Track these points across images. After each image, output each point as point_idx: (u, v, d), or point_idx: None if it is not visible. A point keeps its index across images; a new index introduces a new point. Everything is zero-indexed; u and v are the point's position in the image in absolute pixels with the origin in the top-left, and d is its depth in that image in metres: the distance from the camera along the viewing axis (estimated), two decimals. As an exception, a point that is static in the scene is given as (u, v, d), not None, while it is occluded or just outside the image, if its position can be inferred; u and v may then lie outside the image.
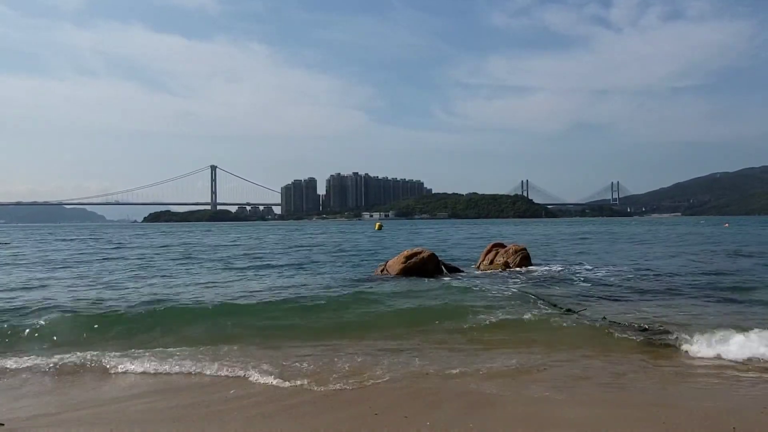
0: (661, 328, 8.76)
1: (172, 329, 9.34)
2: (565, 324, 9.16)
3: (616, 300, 12.13)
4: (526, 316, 9.64)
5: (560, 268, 18.74)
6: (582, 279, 15.85)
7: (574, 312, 10.04)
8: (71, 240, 50.80)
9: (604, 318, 9.52)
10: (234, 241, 46.00)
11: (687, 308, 10.88)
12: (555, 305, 10.73)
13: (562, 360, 7.22)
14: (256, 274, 18.18)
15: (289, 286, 14.48)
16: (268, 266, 21.15)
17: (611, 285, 14.53)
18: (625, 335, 8.37)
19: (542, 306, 10.76)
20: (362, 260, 23.36)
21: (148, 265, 22.05)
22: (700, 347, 7.43)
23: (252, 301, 12.05)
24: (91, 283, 15.77)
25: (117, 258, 26.23)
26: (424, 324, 9.58)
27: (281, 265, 21.40)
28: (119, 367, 7.10)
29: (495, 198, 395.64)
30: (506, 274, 16.85)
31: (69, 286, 15.00)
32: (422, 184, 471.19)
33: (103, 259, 25.68)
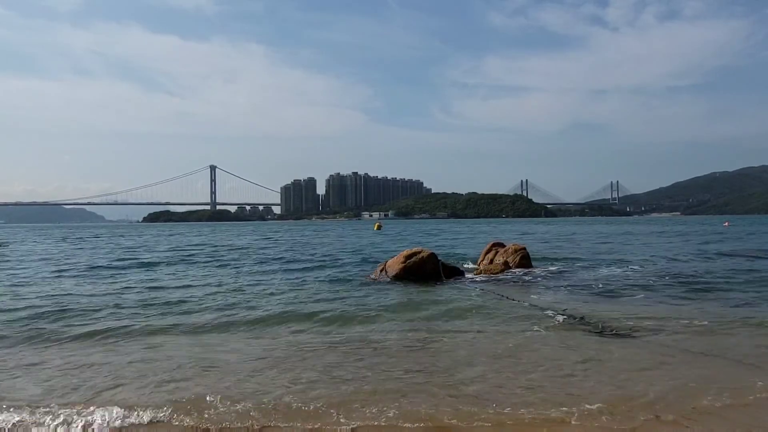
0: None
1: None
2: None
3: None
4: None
5: (561, 269, 18.71)
6: (582, 279, 15.84)
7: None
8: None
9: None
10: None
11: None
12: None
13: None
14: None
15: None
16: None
17: (613, 285, 14.52)
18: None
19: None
20: (363, 260, 23.41)
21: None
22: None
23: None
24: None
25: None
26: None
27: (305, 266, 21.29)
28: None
29: (494, 198, 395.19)
30: (509, 276, 16.83)
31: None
32: (422, 183, 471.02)
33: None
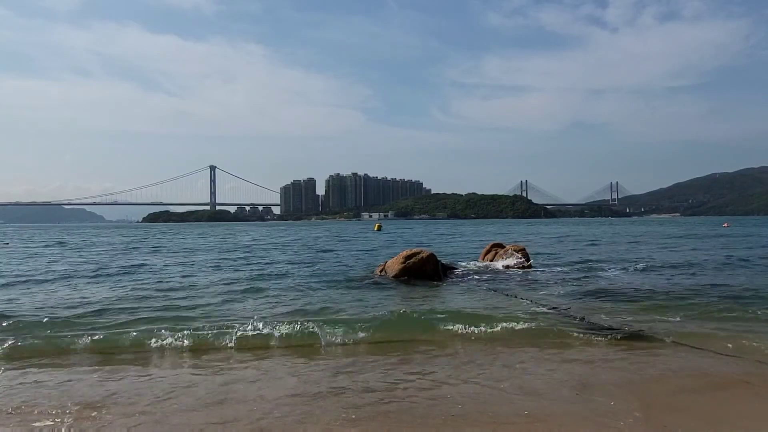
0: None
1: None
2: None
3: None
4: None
5: (563, 270, 18.57)
6: (585, 281, 15.70)
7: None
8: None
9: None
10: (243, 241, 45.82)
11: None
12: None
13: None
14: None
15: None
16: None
17: (612, 286, 14.38)
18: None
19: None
20: (365, 259, 23.28)
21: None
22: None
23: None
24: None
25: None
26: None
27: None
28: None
29: (494, 198, 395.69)
30: (509, 277, 16.68)
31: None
32: (421, 184, 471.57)
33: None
